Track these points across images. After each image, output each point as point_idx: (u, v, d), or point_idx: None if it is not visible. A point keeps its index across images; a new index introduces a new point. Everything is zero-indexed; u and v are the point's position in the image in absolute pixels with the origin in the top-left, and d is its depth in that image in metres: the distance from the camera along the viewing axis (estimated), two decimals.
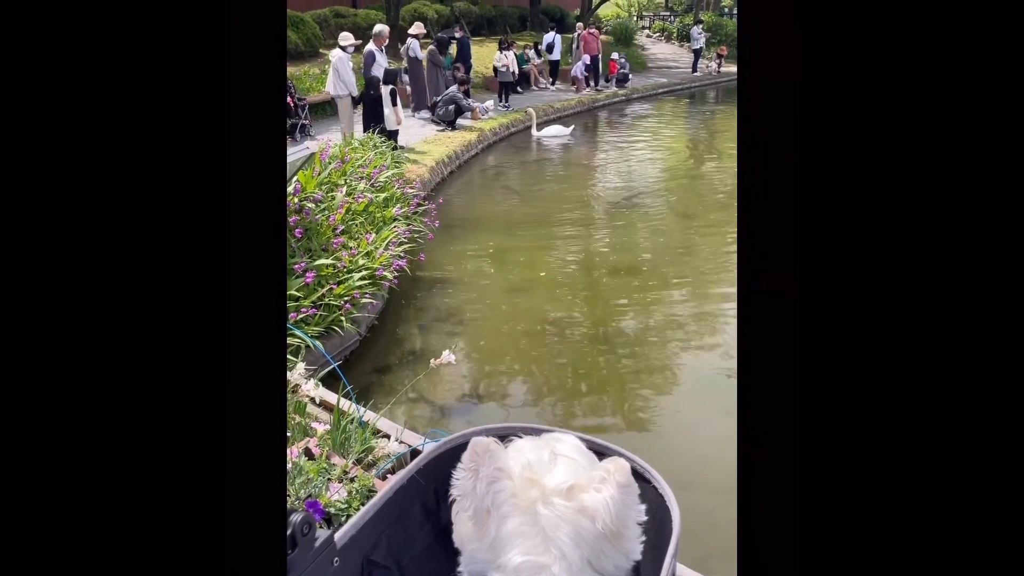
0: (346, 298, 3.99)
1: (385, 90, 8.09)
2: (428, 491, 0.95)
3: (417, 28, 10.44)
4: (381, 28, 8.86)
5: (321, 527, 0.76)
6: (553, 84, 15.45)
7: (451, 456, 0.91)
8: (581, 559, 0.78)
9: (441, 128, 10.01)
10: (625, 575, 0.82)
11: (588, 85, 15.27)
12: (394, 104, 8.23)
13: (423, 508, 0.95)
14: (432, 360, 2.33)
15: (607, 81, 15.85)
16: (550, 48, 15.35)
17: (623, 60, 16.42)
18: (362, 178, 5.83)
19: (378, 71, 8.24)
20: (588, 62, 14.98)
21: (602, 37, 16.65)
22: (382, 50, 8.58)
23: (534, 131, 11.01)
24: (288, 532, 0.70)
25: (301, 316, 3.64)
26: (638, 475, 0.99)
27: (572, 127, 11.34)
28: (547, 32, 15.96)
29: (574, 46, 15.24)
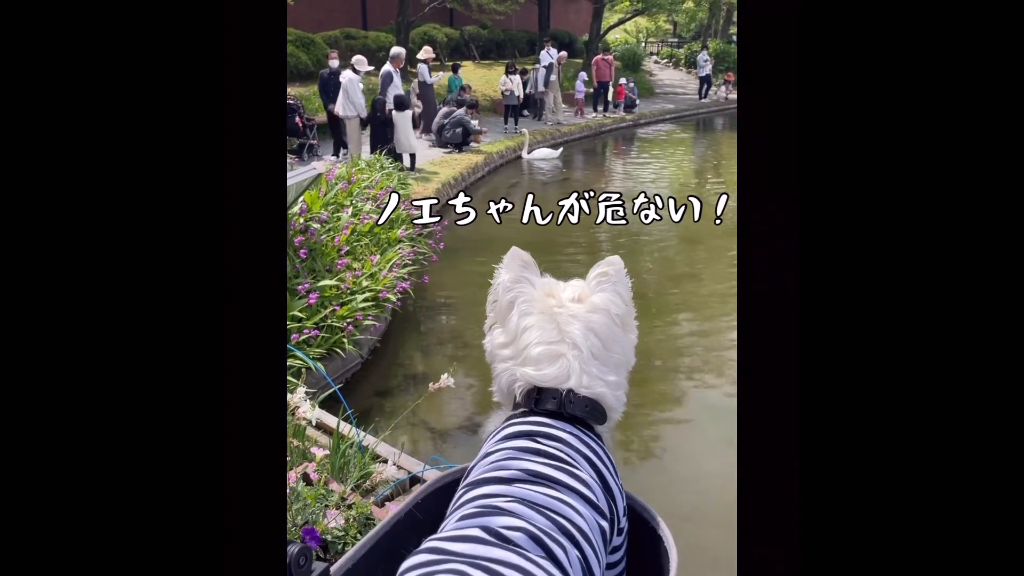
0: (349, 320, 3.98)
1: (403, 115, 8.17)
2: (425, 525, 0.93)
3: (426, 52, 10.56)
4: (398, 51, 9.00)
5: (318, 556, 0.76)
6: (542, 115, 14.02)
7: (449, 490, 0.90)
8: (590, 350, 0.92)
9: (448, 150, 10.09)
10: (627, 362, 0.98)
11: (595, 109, 15.36)
12: (414, 127, 8.36)
13: (419, 543, 0.94)
14: (431, 384, 2.32)
15: (615, 106, 15.95)
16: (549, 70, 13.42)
17: (631, 85, 16.51)
18: (368, 199, 5.85)
19: (394, 92, 8.35)
20: (583, 87, 14.80)
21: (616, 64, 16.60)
22: (398, 71, 8.68)
23: (524, 153, 11.07)
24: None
25: (303, 337, 3.63)
26: (639, 516, 0.97)
27: (561, 149, 11.42)
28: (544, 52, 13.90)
29: (581, 72, 15.14)
